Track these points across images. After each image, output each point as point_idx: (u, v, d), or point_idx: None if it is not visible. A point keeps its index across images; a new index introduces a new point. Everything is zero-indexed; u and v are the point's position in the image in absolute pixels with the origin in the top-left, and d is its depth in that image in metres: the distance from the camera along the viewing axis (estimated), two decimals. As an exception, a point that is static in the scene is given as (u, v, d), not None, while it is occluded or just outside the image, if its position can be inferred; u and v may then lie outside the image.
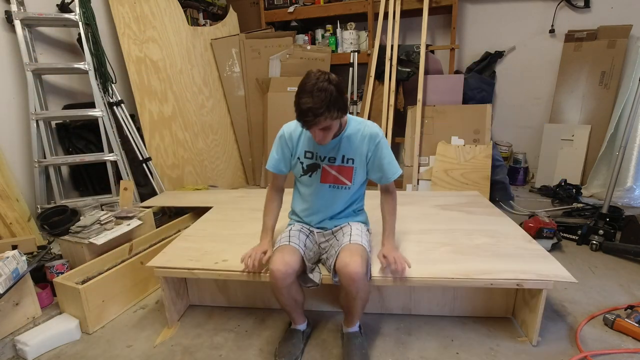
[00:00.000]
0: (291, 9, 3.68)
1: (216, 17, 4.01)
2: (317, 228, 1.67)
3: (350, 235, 1.52)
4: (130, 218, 2.26)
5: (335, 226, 1.65)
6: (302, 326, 1.63)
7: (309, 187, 1.62)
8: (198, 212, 2.48)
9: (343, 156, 1.55)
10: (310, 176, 1.59)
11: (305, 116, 1.30)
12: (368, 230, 1.71)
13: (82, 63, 2.61)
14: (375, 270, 1.56)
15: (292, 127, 1.59)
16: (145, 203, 2.68)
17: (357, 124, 1.54)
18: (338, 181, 1.58)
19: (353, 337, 1.54)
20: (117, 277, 1.87)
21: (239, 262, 1.58)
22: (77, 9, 2.56)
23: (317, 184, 1.59)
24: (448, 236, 1.90)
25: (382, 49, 3.32)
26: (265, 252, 1.55)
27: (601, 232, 2.39)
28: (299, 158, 1.59)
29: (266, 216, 1.68)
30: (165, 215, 2.97)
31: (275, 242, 1.60)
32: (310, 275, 1.54)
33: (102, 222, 2.11)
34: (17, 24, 2.39)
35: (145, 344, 1.66)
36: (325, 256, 1.61)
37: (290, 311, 1.58)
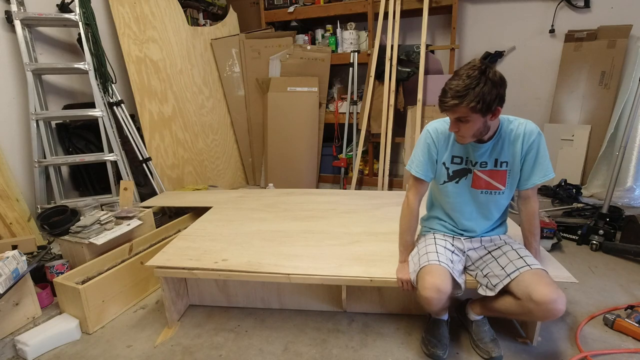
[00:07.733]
0: (291, 9, 3.68)
1: (216, 17, 4.01)
2: (465, 234, 1.55)
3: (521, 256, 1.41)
4: (130, 218, 2.26)
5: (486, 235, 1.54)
6: (444, 316, 1.59)
7: (454, 195, 1.49)
8: (198, 212, 2.48)
9: (496, 160, 1.42)
10: (457, 182, 1.47)
11: (442, 96, 1.26)
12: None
13: (82, 63, 2.61)
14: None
15: (438, 126, 1.45)
16: (145, 203, 2.68)
17: (509, 124, 1.40)
18: (491, 187, 1.44)
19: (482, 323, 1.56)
20: (117, 277, 1.87)
21: (239, 261, 1.57)
22: (77, 9, 2.56)
23: (467, 190, 1.47)
24: (448, 236, 1.89)
25: (382, 49, 3.31)
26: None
27: (601, 232, 2.39)
28: (444, 163, 1.46)
29: (408, 234, 1.55)
30: (165, 215, 2.97)
31: (415, 255, 1.53)
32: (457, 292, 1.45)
33: (102, 222, 2.11)
34: (17, 24, 2.40)
35: (145, 344, 1.66)
36: (480, 272, 1.49)
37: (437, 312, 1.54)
